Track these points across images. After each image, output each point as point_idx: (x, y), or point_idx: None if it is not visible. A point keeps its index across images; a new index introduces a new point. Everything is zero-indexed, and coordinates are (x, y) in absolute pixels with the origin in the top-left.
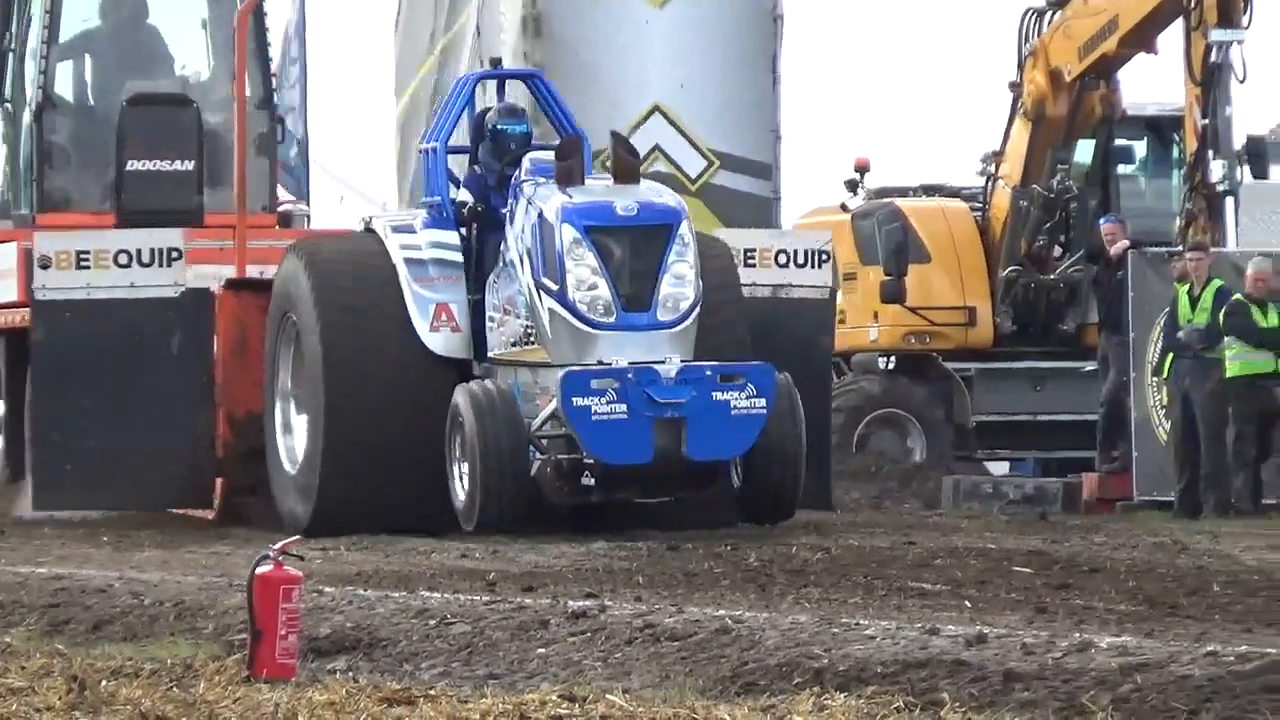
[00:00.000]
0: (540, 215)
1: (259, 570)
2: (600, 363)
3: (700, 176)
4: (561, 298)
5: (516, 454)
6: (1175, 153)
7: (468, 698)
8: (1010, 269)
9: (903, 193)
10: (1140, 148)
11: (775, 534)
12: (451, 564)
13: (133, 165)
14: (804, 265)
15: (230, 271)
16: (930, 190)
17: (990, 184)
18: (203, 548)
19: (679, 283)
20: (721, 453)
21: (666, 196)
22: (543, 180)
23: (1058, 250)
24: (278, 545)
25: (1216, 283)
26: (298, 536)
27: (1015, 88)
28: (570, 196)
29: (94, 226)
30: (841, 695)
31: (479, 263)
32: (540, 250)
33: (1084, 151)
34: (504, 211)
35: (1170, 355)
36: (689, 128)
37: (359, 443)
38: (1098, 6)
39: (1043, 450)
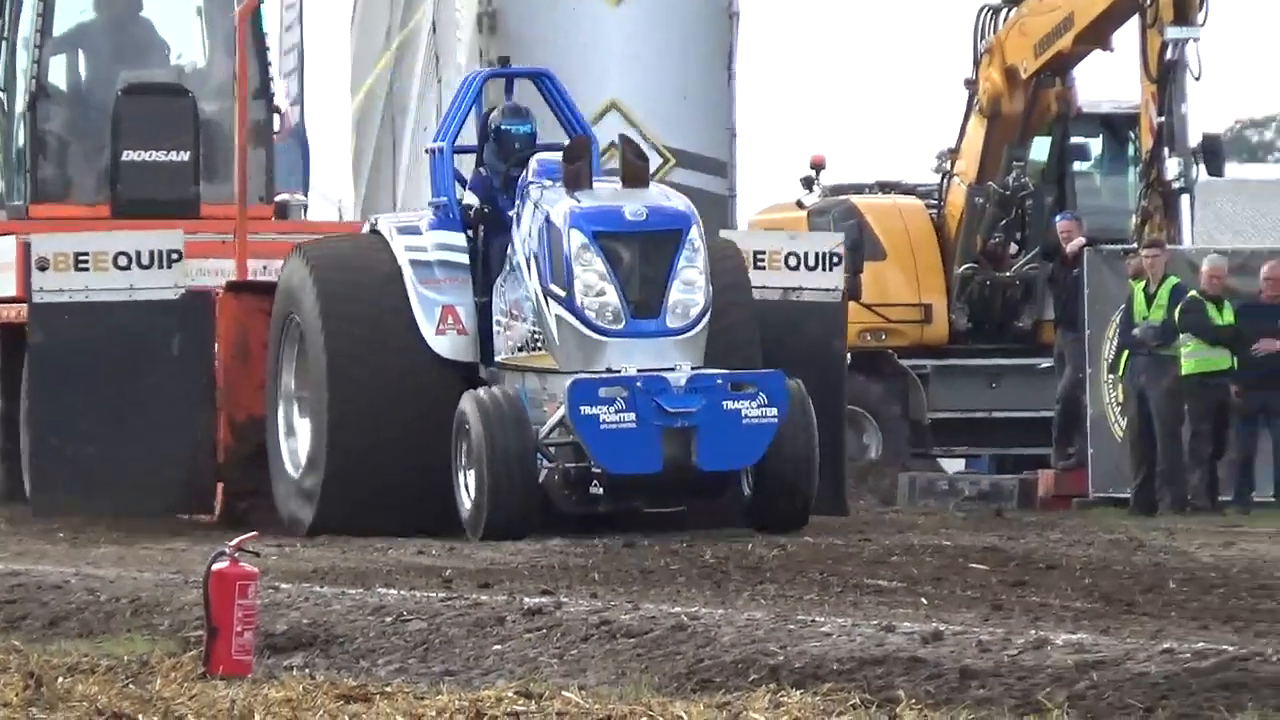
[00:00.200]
0: (547, 219)
1: (215, 567)
2: (609, 370)
3: (656, 174)
4: (569, 304)
5: (524, 462)
6: (1131, 150)
7: (424, 694)
8: (966, 266)
9: (858, 190)
10: (1096, 145)
11: (730, 530)
12: (408, 561)
13: (128, 156)
14: (815, 268)
15: (230, 266)
16: (886, 187)
17: (946, 181)
18: (159, 544)
19: (689, 289)
20: (732, 463)
21: (676, 201)
22: (549, 183)
23: (1013, 247)
24: (234, 542)
25: (1172, 280)
26: (254, 533)
27: (971, 85)
28: (578, 201)
29: (89, 218)
30: (797, 692)
31: (486, 265)
32: (548, 255)
33: (1040, 149)
34: (510, 213)
35: (1126, 352)
36: (645, 125)
37: (363, 447)
38: (1053, 4)
39: (999, 447)
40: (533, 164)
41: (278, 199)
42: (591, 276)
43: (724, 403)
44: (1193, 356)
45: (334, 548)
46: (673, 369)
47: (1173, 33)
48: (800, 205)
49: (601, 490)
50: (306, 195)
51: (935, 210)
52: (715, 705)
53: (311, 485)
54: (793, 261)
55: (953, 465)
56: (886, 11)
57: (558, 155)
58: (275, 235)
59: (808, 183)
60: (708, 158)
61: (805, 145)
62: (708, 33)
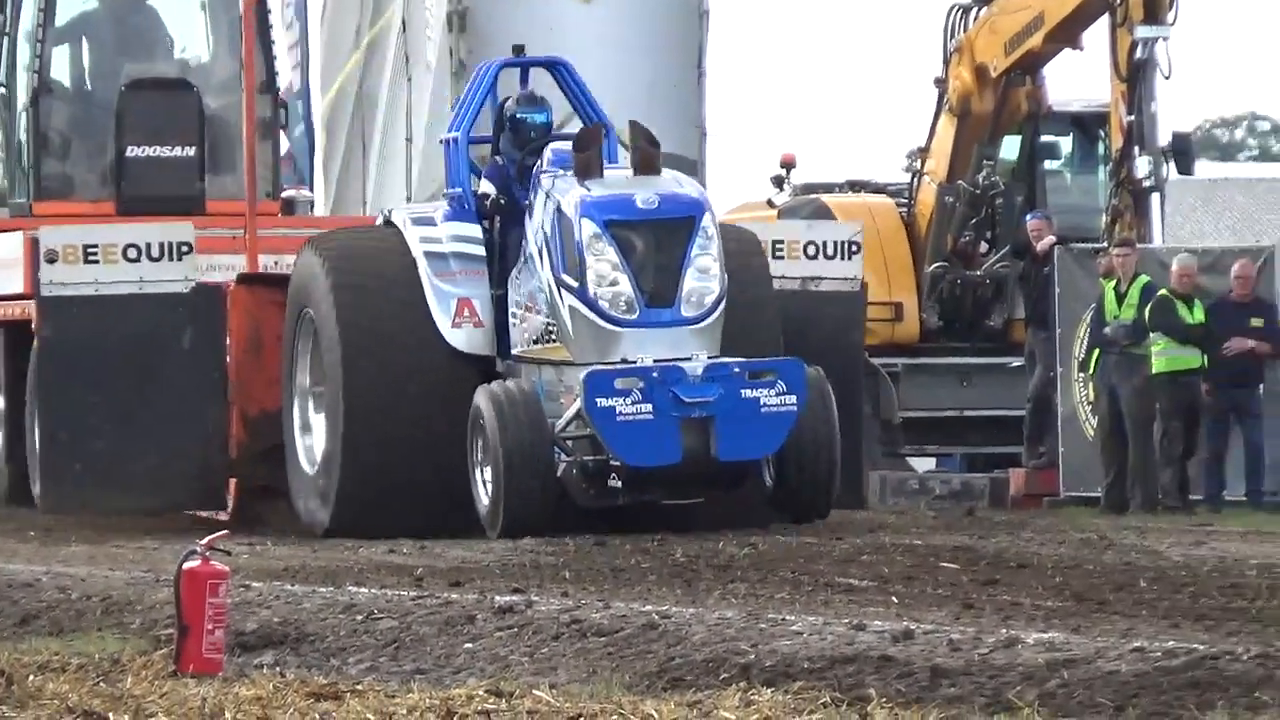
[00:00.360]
0: (559, 209)
1: (186, 565)
2: (624, 361)
3: None
4: (582, 294)
5: (540, 456)
6: (1101, 149)
7: (395, 692)
8: (936, 265)
9: (829, 189)
10: (1066, 144)
11: (702, 529)
12: (379, 559)
13: (132, 151)
14: (834, 257)
15: (238, 262)
16: (856, 186)
17: (916, 180)
18: (130, 542)
19: (703, 277)
20: (752, 452)
21: (688, 188)
22: (561, 172)
23: (984, 246)
24: (205, 540)
25: (1143, 279)
26: (225, 531)
27: (941, 84)
28: (589, 190)
29: (93, 215)
30: (768, 690)
31: (502, 256)
32: (559, 245)
33: (1010, 147)
34: (526, 204)
35: (1097, 351)
36: (614, 124)
37: (379, 443)
38: (1023, 3)
39: (969, 446)
40: (547, 153)
41: (284, 195)
42: (604, 266)
43: (742, 391)
44: (1163, 355)
45: (304, 546)
46: (689, 358)
47: (1143, 32)
48: (771, 204)
49: (620, 483)
50: (313, 191)
51: (905, 209)
52: (686, 704)
53: (327, 484)
54: (811, 251)
55: (924, 464)
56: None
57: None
58: (284, 231)
59: (778, 181)
60: (678, 157)
61: (775, 144)
62: (678, 31)
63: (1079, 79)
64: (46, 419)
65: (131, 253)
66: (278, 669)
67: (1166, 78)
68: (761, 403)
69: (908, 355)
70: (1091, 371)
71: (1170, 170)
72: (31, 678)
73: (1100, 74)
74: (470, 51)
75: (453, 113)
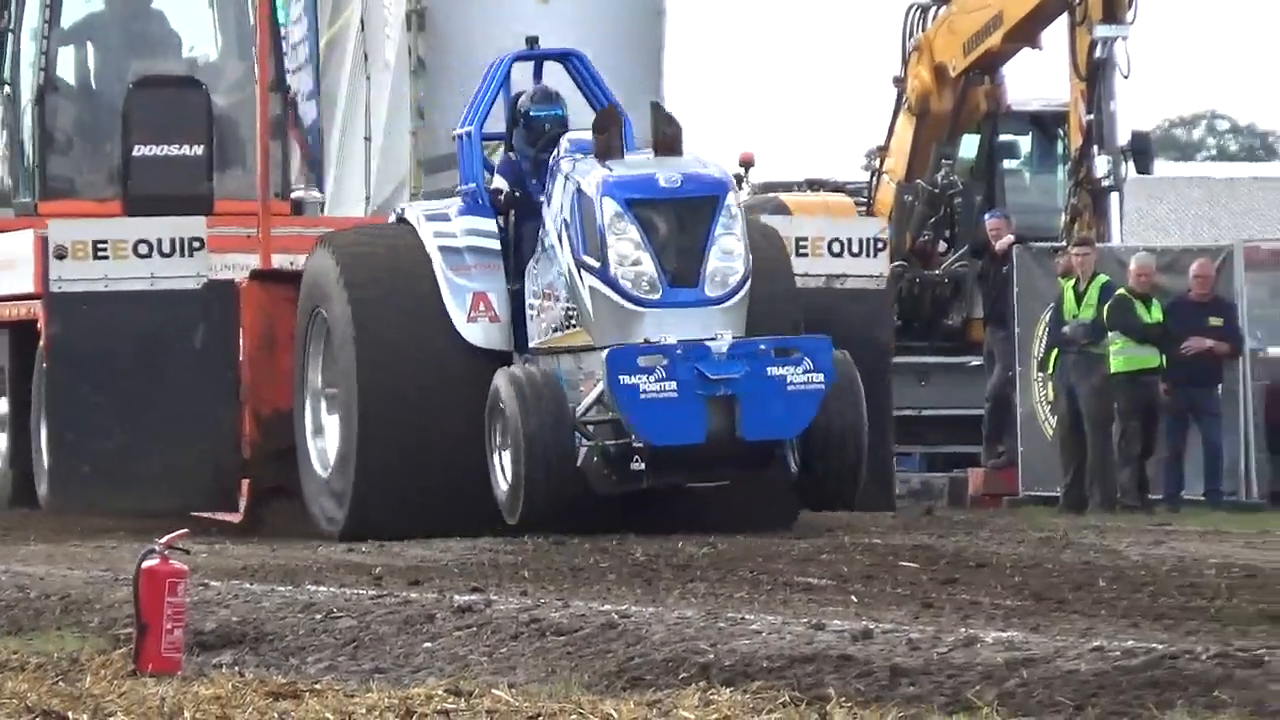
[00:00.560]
0: (579, 190)
1: (145, 564)
2: (647, 341)
3: None
4: (604, 275)
5: (561, 439)
6: (1060, 148)
7: (354, 692)
8: (895, 264)
9: (787, 187)
10: (1025, 143)
11: (662, 529)
12: (338, 558)
13: (139, 150)
14: (859, 254)
15: (252, 260)
16: (815, 185)
17: (875, 179)
18: (88, 542)
19: (727, 257)
20: (778, 432)
21: (711, 168)
22: (581, 156)
23: (942, 245)
24: (164, 539)
25: (1101, 278)
26: (185, 530)
27: (899, 83)
28: (610, 170)
29: (99, 214)
30: (727, 690)
31: (517, 251)
32: (580, 227)
33: (969, 146)
34: (540, 198)
35: (1055, 350)
36: (572, 122)
37: (394, 443)
38: (982, 2)
39: (928, 445)
40: (563, 142)
41: (293, 196)
42: (626, 246)
43: (768, 369)
44: (1121, 354)
45: (263, 545)
46: (714, 338)
47: (1102, 31)
48: None
49: (643, 466)
50: (322, 192)
51: (864, 208)
52: (645, 703)
53: (343, 486)
54: (835, 248)
55: None
56: (815, 9)
57: (589, 134)
58: (296, 229)
59: (737, 180)
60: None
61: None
62: (636, 30)
63: (1038, 78)
64: (54, 418)
65: (142, 249)
66: (236, 668)
67: (1125, 77)
68: (788, 380)
69: None
70: (1050, 371)
71: (1129, 169)
72: None
73: (1059, 73)
74: (429, 50)
75: (466, 108)
